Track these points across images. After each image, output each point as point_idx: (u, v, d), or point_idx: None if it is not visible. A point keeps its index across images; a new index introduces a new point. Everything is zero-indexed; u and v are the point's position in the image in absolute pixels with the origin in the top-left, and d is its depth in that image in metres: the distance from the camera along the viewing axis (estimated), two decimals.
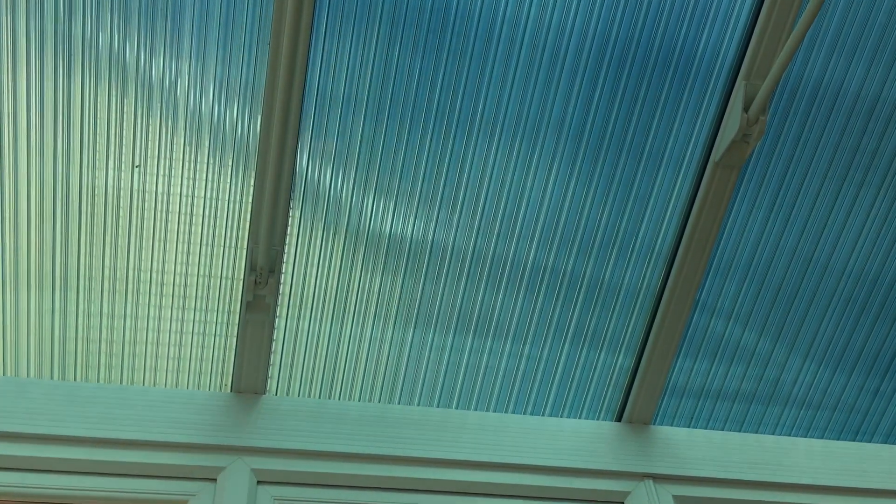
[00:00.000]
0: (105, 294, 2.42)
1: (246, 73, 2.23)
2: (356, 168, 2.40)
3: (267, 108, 2.23)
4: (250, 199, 2.35)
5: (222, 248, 2.41)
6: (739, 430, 2.91)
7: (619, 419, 2.80)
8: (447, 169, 2.43)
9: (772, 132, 2.49)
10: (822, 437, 2.96)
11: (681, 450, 2.75)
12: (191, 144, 2.29)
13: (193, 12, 2.16)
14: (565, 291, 2.63)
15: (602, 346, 2.72)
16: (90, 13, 2.13)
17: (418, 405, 2.70)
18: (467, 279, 2.57)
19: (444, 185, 2.45)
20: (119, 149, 2.27)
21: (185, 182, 2.33)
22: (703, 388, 2.83)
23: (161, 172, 2.31)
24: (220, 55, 2.21)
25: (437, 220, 2.49)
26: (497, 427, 2.67)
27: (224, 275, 2.45)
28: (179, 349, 2.51)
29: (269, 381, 2.59)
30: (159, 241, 2.38)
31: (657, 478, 2.64)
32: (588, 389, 2.76)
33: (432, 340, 2.64)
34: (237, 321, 2.49)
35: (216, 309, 2.48)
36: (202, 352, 2.53)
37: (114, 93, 2.21)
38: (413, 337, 2.62)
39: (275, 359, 2.57)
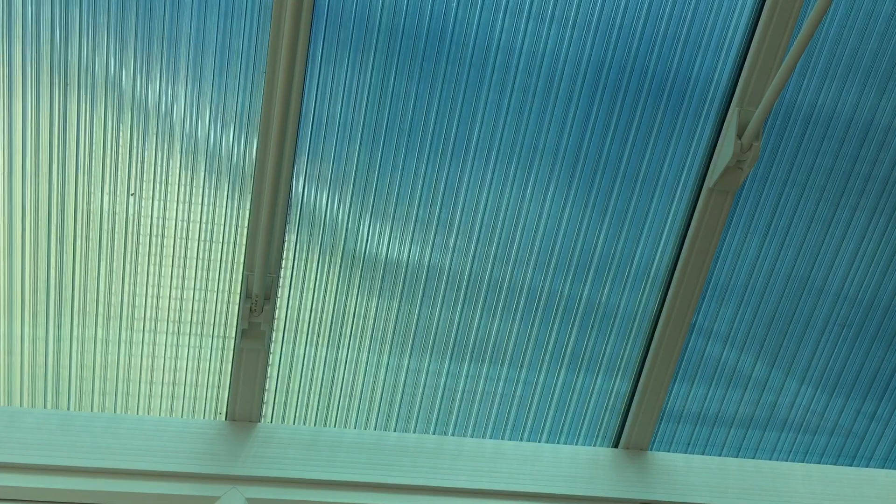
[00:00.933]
0: (99, 321, 2.40)
1: (242, 98, 2.24)
2: (352, 192, 2.39)
3: (263, 132, 2.23)
4: (246, 224, 2.34)
5: (217, 274, 2.40)
6: (737, 456, 2.89)
7: (615, 445, 2.79)
8: (443, 193, 2.43)
9: (766, 156, 2.51)
10: (819, 462, 2.96)
11: (678, 476, 2.74)
12: (187, 169, 2.28)
13: (190, 38, 2.16)
14: (561, 316, 2.62)
15: (599, 370, 2.71)
16: (86, 38, 2.13)
17: (414, 432, 2.68)
18: (463, 304, 2.57)
19: (440, 210, 2.45)
20: (114, 174, 2.26)
21: (180, 206, 2.32)
22: (699, 413, 2.82)
23: (157, 197, 2.30)
24: (217, 80, 2.21)
25: (433, 245, 2.48)
26: (494, 454, 2.66)
27: (219, 300, 2.43)
28: (174, 376, 2.49)
29: (264, 408, 2.56)
30: (154, 265, 2.37)
31: None
32: (585, 415, 2.75)
33: (428, 366, 2.62)
34: (232, 349, 2.47)
35: (211, 335, 2.46)
36: (197, 379, 2.50)
37: (110, 117, 2.21)
38: (409, 362, 2.61)
39: (270, 385, 2.55)
